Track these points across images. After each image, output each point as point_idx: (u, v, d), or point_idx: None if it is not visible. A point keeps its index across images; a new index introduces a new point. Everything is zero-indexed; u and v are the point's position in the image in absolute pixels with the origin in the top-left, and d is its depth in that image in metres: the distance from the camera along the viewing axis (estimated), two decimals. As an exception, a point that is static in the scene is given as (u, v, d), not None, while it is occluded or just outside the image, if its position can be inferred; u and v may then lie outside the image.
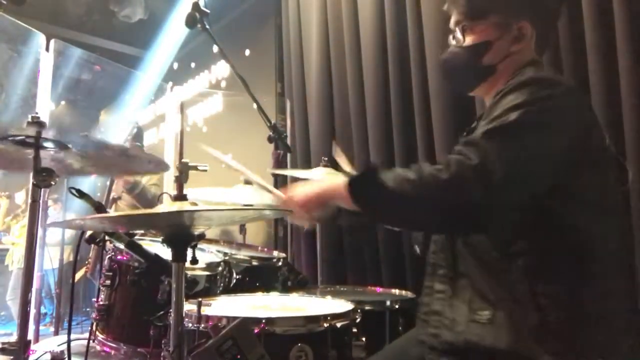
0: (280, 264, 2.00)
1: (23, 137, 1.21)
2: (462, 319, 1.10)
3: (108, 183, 3.40)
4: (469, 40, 1.28)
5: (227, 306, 1.45)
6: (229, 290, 1.77)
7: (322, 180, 1.24)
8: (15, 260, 5.53)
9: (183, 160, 1.12)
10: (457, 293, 1.14)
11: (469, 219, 1.06)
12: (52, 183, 1.28)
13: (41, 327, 3.86)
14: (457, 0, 1.30)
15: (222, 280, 1.77)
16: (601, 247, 1.08)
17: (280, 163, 2.30)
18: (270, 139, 2.16)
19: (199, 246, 1.19)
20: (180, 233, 1.10)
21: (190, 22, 1.97)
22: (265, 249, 2.37)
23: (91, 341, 1.56)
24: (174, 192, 1.12)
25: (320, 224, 1.26)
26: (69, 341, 1.40)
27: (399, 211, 1.12)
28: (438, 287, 1.19)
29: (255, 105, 2.08)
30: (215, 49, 2.07)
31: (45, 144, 1.25)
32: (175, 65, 5.14)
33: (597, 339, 1.04)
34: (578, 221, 1.06)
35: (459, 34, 1.29)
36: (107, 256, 1.68)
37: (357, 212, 1.17)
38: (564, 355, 1.01)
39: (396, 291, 1.96)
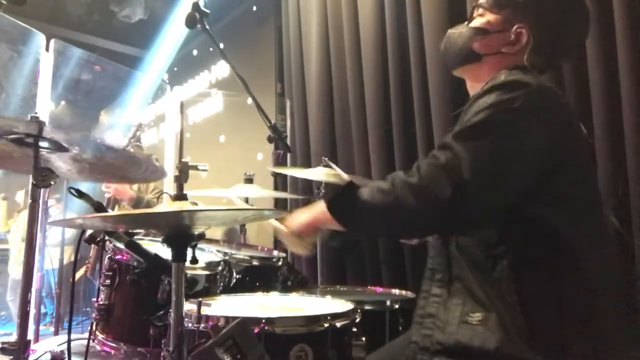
0: (280, 263, 2.00)
1: (22, 136, 1.21)
2: (454, 320, 1.12)
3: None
4: (475, 23, 1.32)
5: (227, 306, 1.45)
6: (228, 290, 1.77)
7: (312, 207, 1.28)
8: (12, 260, 5.51)
9: (183, 159, 1.12)
10: (451, 296, 1.16)
11: (444, 220, 1.07)
12: (52, 183, 1.28)
13: (41, 327, 3.86)
14: None
15: (222, 280, 1.77)
16: (585, 247, 1.09)
17: (280, 163, 2.30)
18: (270, 139, 2.16)
19: (198, 246, 1.19)
20: (180, 233, 1.10)
21: (190, 22, 1.97)
22: (265, 249, 2.37)
23: (91, 341, 1.56)
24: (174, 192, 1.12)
25: (314, 249, 1.35)
26: (69, 341, 1.40)
27: (377, 221, 1.16)
28: (435, 291, 1.20)
29: (254, 105, 2.08)
30: (215, 49, 2.07)
31: (44, 144, 1.24)
32: (175, 66, 5.15)
33: (587, 339, 1.04)
34: (560, 222, 1.08)
35: (471, 18, 1.34)
36: (107, 256, 1.67)
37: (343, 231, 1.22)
38: (553, 355, 1.02)
39: (396, 291, 1.96)
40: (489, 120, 1.06)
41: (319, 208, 1.23)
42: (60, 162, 1.36)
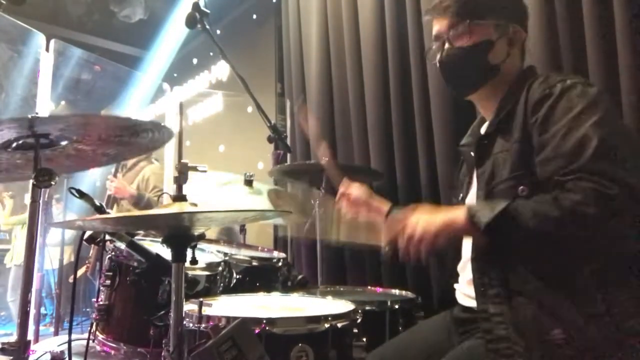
0: (280, 264, 2.00)
1: (22, 141, 1.21)
2: (533, 342, 1.06)
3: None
4: (468, 41, 1.29)
5: (227, 306, 1.45)
6: (229, 290, 1.77)
7: (434, 213, 1.15)
8: (15, 256, 5.48)
9: (182, 160, 1.12)
10: (517, 313, 1.10)
11: (619, 234, 1.02)
12: (52, 183, 1.28)
13: (41, 327, 3.86)
14: (448, 6, 1.31)
15: (222, 281, 1.77)
16: None
17: (280, 163, 2.30)
18: (270, 139, 2.16)
19: (199, 246, 1.19)
20: (180, 234, 1.10)
21: (190, 22, 1.97)
22: (265, 249, 2.37)
23: (91, 341, 1.56)
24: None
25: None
26: (69, 341, 1.40)
27: (543, 247, 1.08)
28: (493, 309, 1.14)
29: (255, 106, 2.08)
30: (215, 49, 2.07)
31: (44, 141, 1.24)
32: (175, 69, 5.14)
33: None
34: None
35: (452, 38, 1.30)
36: (108, 256, 1.67)
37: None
38: None
39: (396, 291, 1.96)
40: (602, 127, 1.03)
41: (450, 217, 1.13)
42: (62, 157, 1.35)
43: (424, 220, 1.14)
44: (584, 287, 1.05)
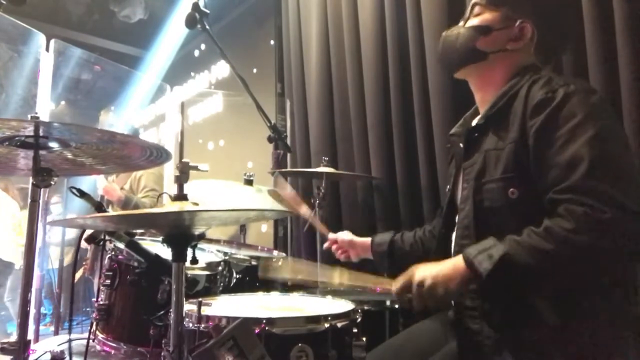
0: (280, 263, 2.00)
1: (22, 138, 1.20)
2: (504, 339, 1.08)
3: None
4: (473, 22, 1.31)
5: (227, 306, 1.45)
6: (229, 290, 1.77)
7: (435, 268, 1.14)
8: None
9: (184, 160, 1.11)
10: (492, 310, 1.12)
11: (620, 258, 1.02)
12: (52, 183, 1.28)
13: (41, 327, 3.86)
14: None
15: (222, 280, 1.77)
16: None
17: (280, 163, 2.30)
18: (270, 139, 2.16)
19: (199, 246, 1.19)
20: (181, 233, 1.10)
21: (190, 22, 1.97)
22: (266, 249, 2.37)
23: (91, 341, 1.56)
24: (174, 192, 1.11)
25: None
26: (69, 340, 1.40)
27: (542, 282, 1.06)
28: (469, 303, 1.16)
29: (254, 105, 2.08)
30: (215, 49, 2.07)
31: (43, 142, 1.23)
32: (175, 69, 5.14)
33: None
34: None
35: (467, 14, 1.33)
36: (107, 256, 1.68)
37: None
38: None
39: (396, 291, 1.96)
40: (595, 151, 1.01)
41: (451, 271, 1.11)
42: (61, 158, 1.35)
43: (430, 271, 1.13)
44: (566, 294, 1.06)
